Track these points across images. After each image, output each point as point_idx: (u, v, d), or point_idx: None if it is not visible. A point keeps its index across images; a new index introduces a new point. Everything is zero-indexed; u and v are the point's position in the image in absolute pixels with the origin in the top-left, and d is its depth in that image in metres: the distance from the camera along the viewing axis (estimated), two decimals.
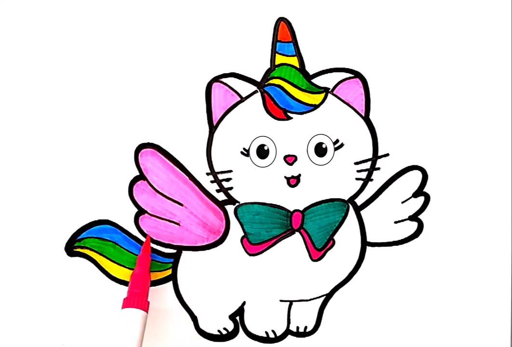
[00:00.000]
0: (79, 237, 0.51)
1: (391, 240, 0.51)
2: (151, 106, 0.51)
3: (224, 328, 0.52)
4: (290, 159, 0.50)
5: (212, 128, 0.51)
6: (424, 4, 0.51)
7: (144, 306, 0.47)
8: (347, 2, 0.51)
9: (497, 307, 0.52)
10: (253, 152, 0.51)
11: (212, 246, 0.51)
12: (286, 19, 0.50)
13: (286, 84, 0.50)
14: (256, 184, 0.51)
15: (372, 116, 0.51)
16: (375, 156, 0.51)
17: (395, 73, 0.51)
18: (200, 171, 0.51)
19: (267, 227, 0.51)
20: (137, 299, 0.48)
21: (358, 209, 0.51)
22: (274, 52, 0.51)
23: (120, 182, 0.51)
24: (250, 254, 0.51)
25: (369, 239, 0.52)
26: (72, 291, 0.51)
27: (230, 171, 0.51)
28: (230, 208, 0.51)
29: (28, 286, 0.51)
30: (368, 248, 0.52)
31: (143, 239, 0.51)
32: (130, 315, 0.47)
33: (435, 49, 0.51)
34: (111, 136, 0.51)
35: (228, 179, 0.51)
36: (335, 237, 0.51)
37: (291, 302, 0.52)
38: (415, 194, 0.51)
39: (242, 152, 0.51)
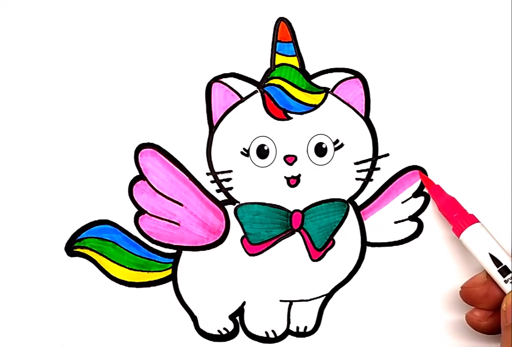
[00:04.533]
0: (79, 237, 0.51)
1: (391, 240, 0.51)
2: (151, 106, 0.51)
3: (224, 328, 0.52)
4: (290, 159, 0.51)
5: (212, 128, 0.51)
6: (424, 4, 0.51)
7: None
8: (347, 2, 0.51)
9: None
10: (253, 152, 0.51)
11: (212, 246, 0.51)
12: (286, 19, 0.50)
13: (286, 84, 0.50)
14: (256, 184, 0.51)
15: (372, 116, 0.51)
16: (375, 156, 0.51)
17: (395, 73, 0.51)
18: (200, 171, 0.51)
19: (267, 227, 0.51)
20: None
21: (358, 209, 0.51)
22: (274, 52, 0.51)
23: (120, 182, 0.51)
24: (250, 254, 0.51)
25: (369, 239, 0.52)
26: (72, 291, 0.51)
27: (230, 171, 0.51)
28: (230, 208, 0.51)
29: (28, 286, 0.51)
30: (368, 248, 0.52)
31: (143, 239, 0.51)
32: (478, 230, 0.48)
33: (435, 49, 0.51)
34: (111, 136, 0.51)
35: (228, 179, 0.51)
36: (335, 237, 0.51)
37: (291, 302, 0.52)
38: (415, 194, 0.51)
39: (242, 152, 0.51)
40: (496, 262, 0.47)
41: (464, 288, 0.49)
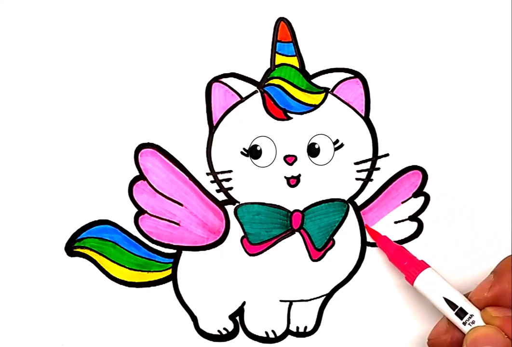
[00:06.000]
0: (79, 237, 0.51)
1: (391, 240, 0.51)
2: (151, 106, 0.51)
3: (224, 328, 0.52)
4: (290, 159, 0.51)
5: (212, 128, 0.51)
6: (424, 4, 0.51)
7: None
8: (347, 2, 0.51)
9: None
10: (253, 152, 0.51)
11: (212, 246, 0.51)
12: (286, 19, 0.50)
13: (286, 84, 0.50)
14: (256, 184, 0.51)
15: (372, 116, 0.51)
16: (375, 156, 0.51)
17: (395, 73, 0.51)
18: (200, 171, 0.51)
19: (267, 227, 0.51)
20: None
21: (358, 209, 0.51)
22: (274, 52, 0.51)
23: (120, 182, 0.51)
24: (250, 254, 0.51)
25: (369, 239, 0.52)
26: (72, 291, 0.51)
27: (230, 171, 0.51)
28: (230, 208, 0.51)
29: (28, 286, 0.51)
30: (368, 248, 0.52)
31: (143, 239, 0.51)
32: (429, 275, 0.48)
33: (435, 49, 0.51)
34: (111, 136, 0.51)
35: (228, 179, 0.51)
36: (335, 237, 0.51)
37: (291, 302, 0.52)
38: (415, 194, 0.51)
39: (242, 152, 0.51)
40: (452, 305, 0.46)
41: (430, 340, 0.48)
